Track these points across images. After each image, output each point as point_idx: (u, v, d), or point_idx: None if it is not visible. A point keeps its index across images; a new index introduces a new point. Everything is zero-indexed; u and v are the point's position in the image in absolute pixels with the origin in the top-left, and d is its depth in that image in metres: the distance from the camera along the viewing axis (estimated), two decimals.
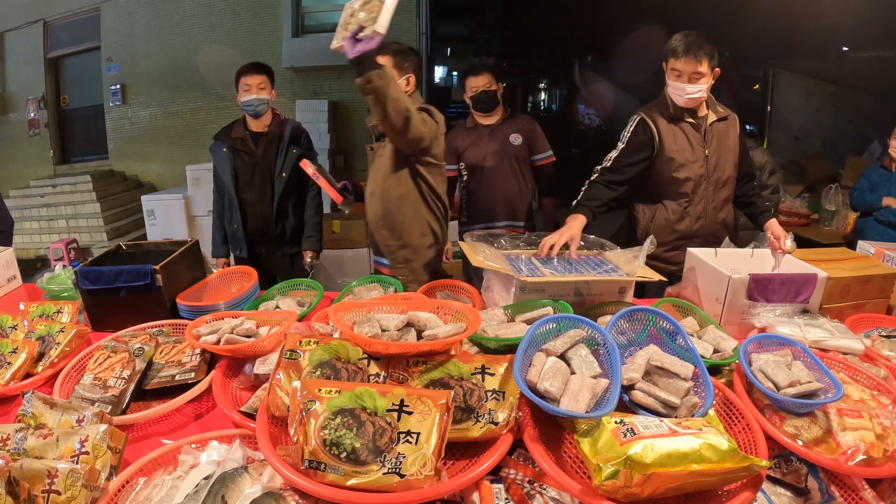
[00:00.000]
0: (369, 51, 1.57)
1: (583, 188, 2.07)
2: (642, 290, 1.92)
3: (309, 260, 2.73)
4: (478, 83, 2.75)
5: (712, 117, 2.08)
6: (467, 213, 2.98)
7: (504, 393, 1.05)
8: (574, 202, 2.01)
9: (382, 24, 1.53)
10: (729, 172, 2.12)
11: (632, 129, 2.09)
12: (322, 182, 2.08)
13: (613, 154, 2.09)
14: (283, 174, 2.62)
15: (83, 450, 0.95)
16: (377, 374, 1.09)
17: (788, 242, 1.85)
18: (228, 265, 2.75)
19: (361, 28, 1.55)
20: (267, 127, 2.62)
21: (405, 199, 2.02)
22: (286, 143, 2.61)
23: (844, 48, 5.67)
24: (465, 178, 2.92)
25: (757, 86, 6.91)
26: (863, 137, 5.59)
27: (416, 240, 2.08)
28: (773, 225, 1.97)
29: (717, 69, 1.96)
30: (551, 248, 1.74)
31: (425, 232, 2.10)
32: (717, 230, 2.15)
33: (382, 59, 1.93)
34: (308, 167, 2.07)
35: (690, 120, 2.06)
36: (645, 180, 2.14)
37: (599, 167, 2.10)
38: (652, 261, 2.11)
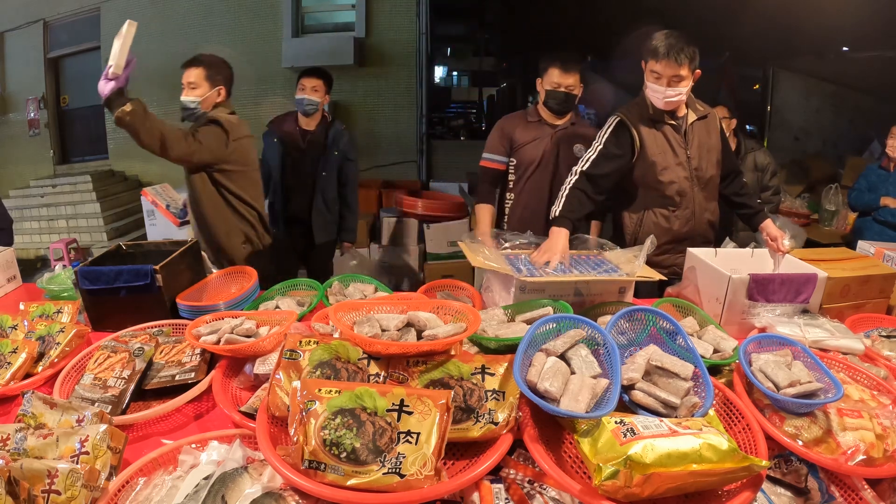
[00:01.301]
0: (116, 89, 1.84)
1: (562, 194, 1.96)
2: (637, 290, 1.91)
3: (343, 251, 3.13)
4: (565, 80, 2.33)
5: (692, 117, 2.04)
6: (510, 221, 2.56)
7: (504, 393, 1.05)
8: (554, 212, 1.92)
9: (118, 64, 1.79)
10: (711, 172, 2.08)
11: (610, 130, 2.02)
12: (160, 209, 2.20)
13: (591, 156, 2.00)
14: (324, 173, 2.95)
15: (83, 450, 0.95)
16: (377, 374, 1.09)
17: (787, 242, 1.84)
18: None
19: (109, 68, 1.79)
20: (315, 126, 2.94)
21: (205, 204, 2.26)
22: (329, 145, 2.93)
23: (844, 48, 5.67)
24: (511, 178, 2.52)
25: (757, 86, 6.91)
26: (863, 137, 5.60)
27: (223, 240, 2.31)
28: (768, 226, 1.95)
29: (699, 71, 1.91)
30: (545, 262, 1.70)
31: (231, 232, 2.33)
32: (705, 231, 2.13)
33: (195, 71, 2.25)
34: (147, 195, 2.21)
35: (671, 121, 2.02)
36: (629, 186, 2.10)
37: (577, 169, 2.00)
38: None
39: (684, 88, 1.90)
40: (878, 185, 3.24)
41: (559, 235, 1.80)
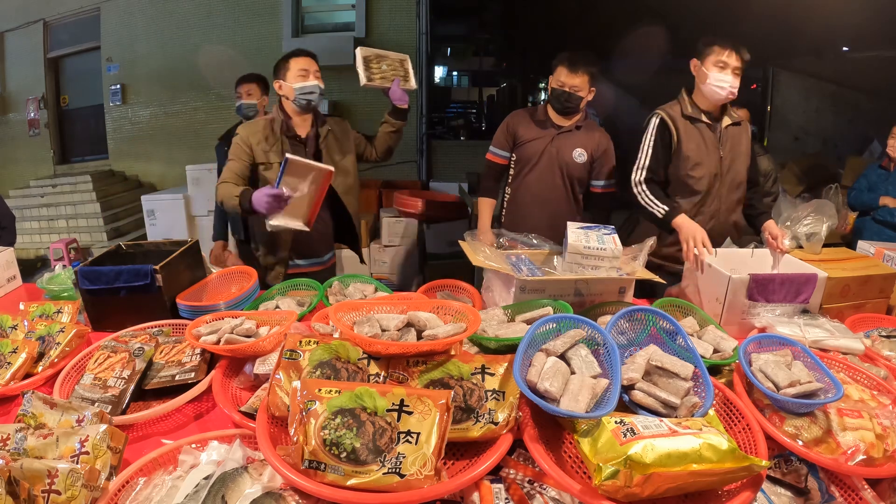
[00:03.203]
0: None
1: (649, 200, 2.02)
2: (653, 291, 1.92)
3: None
4: (570, 80, 2.27)
5: (727, 121, 2.10)
6: (506, 217, 2.56)
7: (504, 393, 1.05)
8: (661, 212, 1.98)
9: (414, 83, 2.27)
10: (741, 178, 2.14)
11: (654, 130, 2.08)
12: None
13: (645, 162, 2.07)
14: None
15: (83, 450, 0.95)
16: (377, 374, 1.09)
17: (786, 241, 1.86)
18: (225, 248, 3.04)
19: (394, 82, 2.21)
20: None
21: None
22: None
23: (844, 48, 5.67)
24: (511, 173, 2.51)
25: (754, 85, 6.91)
26: (863, 137, 5.60)
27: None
28: (770, 225, 1.97)
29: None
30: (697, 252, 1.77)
31: None
32: (728, 231, 2.16)
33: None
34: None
35: (706, 121, 2.07)
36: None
37: (637, 179, 2.06)
38: (664, 260, 2.14)
39: (738, 83, 1.97)
40: (878, 184, 3.24)
41: (684, 220, 1.88)
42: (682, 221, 1.88)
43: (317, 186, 1.95)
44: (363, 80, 2.13)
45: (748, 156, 2.15)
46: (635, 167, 2.09)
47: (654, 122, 2.08)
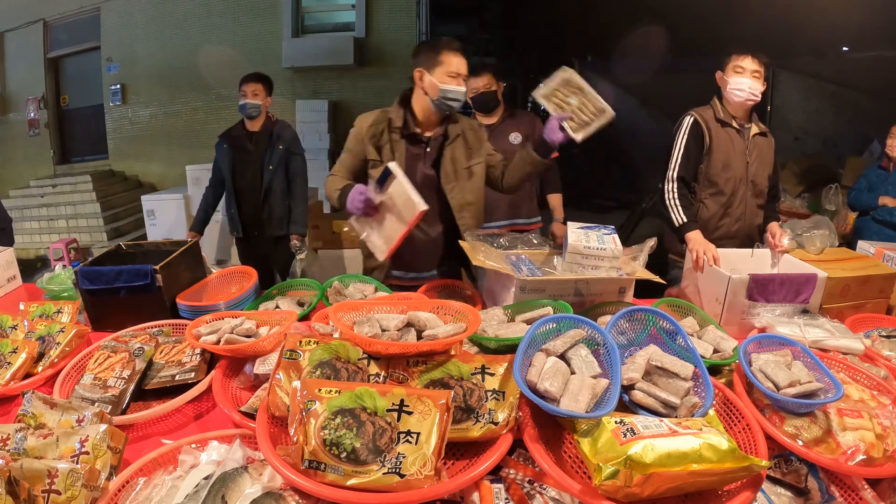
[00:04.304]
0: (565, 141, 1.73)
1: (674, 204, 2.07)
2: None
3: (296, 243, 3.01)
4: (477, 84, 2.70)
5: (755, 130, 2.15)
6: None
7: (504, 393, 1.05)
8: (678, 221, 2.03)
9: (581, 137, 1.73)
10: (765, 185, 2.18)
11: (688, 130, 2.12)
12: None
13: (676, 160, 2.12)
14: (270, 167, 3.04)
15: (83, 450, 0.95)
16: (377, 374, 1.09)
17: (786, 241, 1.87)
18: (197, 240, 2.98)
19: (563, 119, 1.72)
20: (260, 127, 3.07)
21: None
22: (273, 140, 3.05)
23: (844, 48, 5.66)
24: None
25: None
26: (863, 137, 5.59)
27: None
28: (773, 226, 2.00)
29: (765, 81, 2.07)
30: (704, 259, 1.79)
31: None
32: (752, 233, 2.20)
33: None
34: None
35: (736, 127, 2.12)
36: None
37: (670, 176, 2.11)
38: (681, 257, 2.15)
39: (761, 88, 2.02)
40: (878, 184, 3.24)
41: (698, 236, 1.93)
42: (695, 237, 1.92)
43: (403, 219, 1.60)
44: (540, 90, 1.78)
45: (772, 166, 2.20)
46: (670, 163, 2.13)
47: (688, 121, 2.13)
